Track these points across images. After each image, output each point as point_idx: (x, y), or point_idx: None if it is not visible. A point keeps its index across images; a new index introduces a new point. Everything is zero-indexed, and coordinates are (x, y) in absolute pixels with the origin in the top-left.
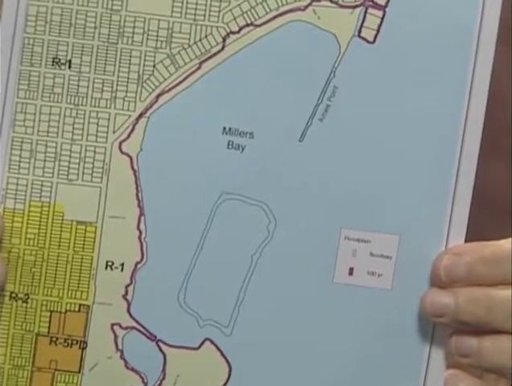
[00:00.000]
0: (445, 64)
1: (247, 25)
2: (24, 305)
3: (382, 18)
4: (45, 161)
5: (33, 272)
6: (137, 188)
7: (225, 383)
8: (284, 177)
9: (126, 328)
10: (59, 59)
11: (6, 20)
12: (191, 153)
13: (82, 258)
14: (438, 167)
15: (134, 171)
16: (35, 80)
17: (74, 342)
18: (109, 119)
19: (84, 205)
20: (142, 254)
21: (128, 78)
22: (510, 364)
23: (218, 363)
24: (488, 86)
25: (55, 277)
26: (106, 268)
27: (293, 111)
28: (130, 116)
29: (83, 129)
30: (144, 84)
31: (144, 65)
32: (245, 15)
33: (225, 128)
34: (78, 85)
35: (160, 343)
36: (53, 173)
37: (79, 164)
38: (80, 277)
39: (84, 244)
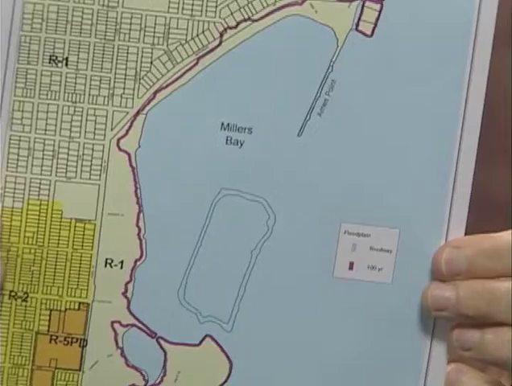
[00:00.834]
0: (443, 58)
1: (244, 20)
2: (24, 303)
3: (380, 12)
4: (43, 159)
5: (32, 270)
6: (135, 185)
7: (226, 379)
8: (283, 172)
9: (126, 325)
10: (56, 57)
11: (2, 18)
12: (189, 150)
13: (81, 256)
14: (437, 160)
15: (133, 168)
16: (32, 77)
17: (74, 340)
18: (106, 116)
19: (83, 203)
20: (142, 251)
21: (125, 75)
22: None
23: (219, 359)
24: (486, 78)
25: (54, 276)
26: (106, 265)
27: (291, 106)
28: (127, 113)
29: (81, 127)
30: (141, 81)
31: (141, 62)
32: (242, 10)
33: (223, 123)
34: (75, 83)
35: (160, 340)
36: (51, 171)
37: (77, 162)
38: (79, 274)
39: (83, 242)
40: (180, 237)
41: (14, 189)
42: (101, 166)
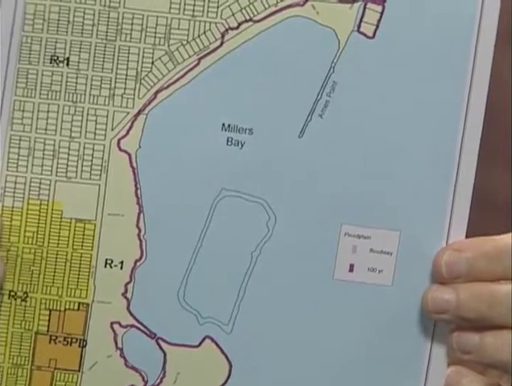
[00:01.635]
0: (445, 59)
1: (246, 21)
2: (23, 303)
3: (382, 13)
4: (43, 159)
5: (32, 270)
6: (136, 185)
7: (226, 380)
8: (284, 173)
9: (126, 326)
10: (58, 57)
11: (3, 18)
12: (190, 150)
13: (81, 256)
14: (438, 162)
15: (133, 168)
16: (33, 77)
17: (74, 340)
18: (107, 116)
19: (83, 203)
20: (142, 252)
21: (126, 75)
22: None
23: (218, 360)
24: (488, 80)
25: (54, 276)
26: (106, 266)
27: (292, 107)
28: (128, 113)
29: (81, 127)
30: (142, 81)
31: (142, 62)
32: (243, 11)
33: (224, 124)
34: (76, 83)
35: (160, 341)
36: (51, 171)
37: (77, 162)
38: (79, 275)
39: (83, 242)
40: (180, 238)
41: (15, 188)
42: (102, 166)
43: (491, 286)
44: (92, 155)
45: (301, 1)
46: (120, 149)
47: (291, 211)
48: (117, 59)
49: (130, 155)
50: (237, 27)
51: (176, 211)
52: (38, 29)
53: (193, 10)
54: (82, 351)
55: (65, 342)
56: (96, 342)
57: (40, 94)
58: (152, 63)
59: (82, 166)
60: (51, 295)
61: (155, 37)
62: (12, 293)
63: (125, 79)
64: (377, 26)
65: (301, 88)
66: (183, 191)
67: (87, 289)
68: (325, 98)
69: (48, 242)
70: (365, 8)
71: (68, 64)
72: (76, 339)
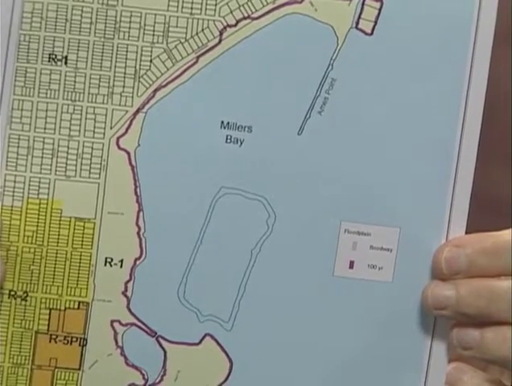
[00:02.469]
0: (443, 55)
1: (244, 18)
2: (23, 303)
3: (380, 10)
4: (42, 157)
5: (32, 269)
6: (135, 184)
7: (226, 378)
8: (283, 170)
9: (126, 325)
10: (56, 56)
11: (1, 17)
12: (189, 148)
13: (81, 255)
14: (438, 159)
15: (132, 167)
16: (31, 76)
17: (74, 339)
18: (106, 115)
19: (83, 201)
20: (142, 250)
21: (125, 73)
22: None
23: (219, 358)
24: (487, 76)
25: (54, 275)
26: (105, 264)
27: (291, 104)
28: (127, 111)
29: (80, 125)
30: (141, 79)
31: (141, 60)
32: (241, 8)
33: (223, 122)
34: (75, 81)
35: (160, 339)
36: (51, 169)
37: (76, 160)
38: (79, 274)
39: (82, 241)
40: (180, 236)
41: (14, 188)
42: (101, 164)
43: (491, 282)
44: (92, 154)
45: None
46: (119, 148)
47: (290, 208)
48: (116, 58)
49: (129, 153)
50: (236, 25)
51: (176, 210)
52: (36, 27)
53: (191, 8)
54: (82, 349)
55: (65, 341)
56: (96, 340)
57: (39, 93)
58: (151, 61)
59: (81, 164)
60: (51, 294)
61: (154, 35)
62: (12, 293)
63: (124, 77)
64: (376, 23)
65: (300, 85)
66: (183, 189)
67: (87, 288)
68: (324, 95)
69: (48, 241)
70: (363, 4)
71: (66, 63)
72: (77, 338)
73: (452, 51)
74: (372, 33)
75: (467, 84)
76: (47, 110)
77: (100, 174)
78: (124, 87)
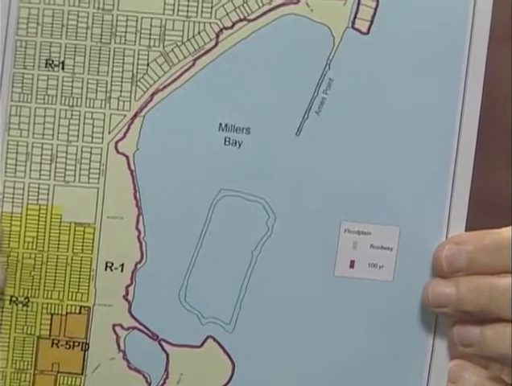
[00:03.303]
0: (440, 54)
1: (240, 20)
2: (25, 308)
3: (376, 9)
4: (41, 163)
5: (33, 275)
6: (134, 188)
7: (229, 380)
8: (282, 171)
9: (128, 328)
10: (53, 61)
11: None
12: (188, 151)
13: (81, 260)
14: (436, 157)
15: (131, 171)
16: (28, 82)
17: (76, 344)
18: (104, 119)
19: (82, 206)
20: (142, 254)
21: (122, 77)
22: None
23: (221, 360)
24: (483, 74)
25: (54, 280)
26: (106, 269)
27: (289, 105)
28: (125, 115)
29: (78, 130)
30: (138, 83)
31: (138, 64)
32: (237, 10)
33: (221, 124)
34: (72, 86)
35: (162, 342)
36: (50, 175)
37: (75, 165)
38: (80, 278)
39: (83, 246)
40: (180, 239)
41: (13, 194)
42: (100, 169)
43: (491, 280)
44: (90, 159)
45: None
46: (117, 152)
47: (290, 209)
48: (113, 62)
49: (127, 158)
50: (232, 27)
51: (175, 213)
52: (32, 33)
53: (187, 11)
54: (85, 354)
55: (67, 346)
56: (98, 345)
57: (36, 99)
58: (147, 64)
59: (80, 169)
60: (52, 299)
61: (150, 39)
62: (13, 299)
63: (121, 81)
64: (372, 22)
65: (297, 86)
66: (182, 192)
67: (88, 293)
68: (322, 95)
69: (48, 247)
70: (359, 4)
71: (63, 68)
72: (79, 343)
73: (449, 49)
74: (368, 32)
75: (464, 82)
76: (44, 116)
77: (99, 178)
78: (121, 91)
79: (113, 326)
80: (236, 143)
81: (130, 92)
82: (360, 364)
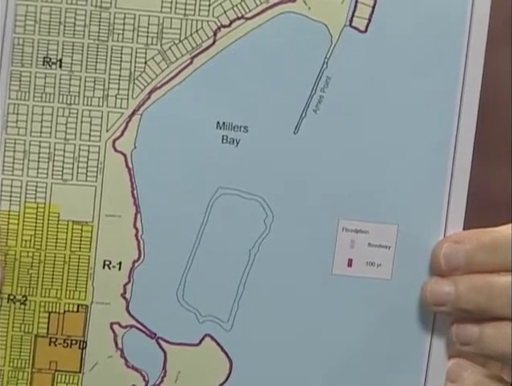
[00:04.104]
0: (438, 52)
1: (238, 18)
2: (22, 306)
3: (373, 7)
4: (39, 161)
5: (30, 273)
6: (132, 186)
7: (227, 378)
8: (280, 170)
9: (126, 327)
10: (50, 59)
11: None
12: (185, 149)
13: (79, 258)
14: (434, 156)
15: (129, 169)
16: (26, 80)
17: (73, 342)
18: (101, 117)
19: (80, 205)
20: (140, 252)
21: (119, 75)
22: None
23: (219, 358)
24: (482, 72)
25: (52, 278)
26: (104, 267)
27: (287, 103)
28: (122, 113)
29: (76, 129)
30: (136, 81)
31: (135, 62)
32: (235, 8)
33: (218, 122)
34: (70, 84)
35: (160, 341)
36: (47, 173)
37: (73, 164)
38: (77, 277)
39: (80, 244)
40: (178, 237)
41: (11, 192)
42: (97, 167)
43: (490, 278)
44: (88, 157)
45: None
46: (115, 150)
47: (287, 207)
48: (110, 60)
49: (125, 156)
50: (229, 25)
51: (173, 211)
52: (29, 30)
53: (185, 9)
54: (82, 352)
55: (65, 344)
56: (96, 343)
57: (34, 96)
58: (145, 62)
59: (78, 167)
60: (50, 298)
61: (148, 36)
62: (11, 297)
63: (119, 79)
64: (370, 21)
65: (295, 84)
66: (180, 191)
67: (86, 291)
68: (319, 93)
69: (46, 245)
70: (356, 2)
71: (60, 66)
72: (76, 341)
73: (447, 47)
74: (366, 30)
75: (462, 81)
76: (42, 114)
77: (96, 177)
78: (119, 89)
79: (111, 324)
80: (233, 141)
81: (128, 90)
82: (358, 363)
